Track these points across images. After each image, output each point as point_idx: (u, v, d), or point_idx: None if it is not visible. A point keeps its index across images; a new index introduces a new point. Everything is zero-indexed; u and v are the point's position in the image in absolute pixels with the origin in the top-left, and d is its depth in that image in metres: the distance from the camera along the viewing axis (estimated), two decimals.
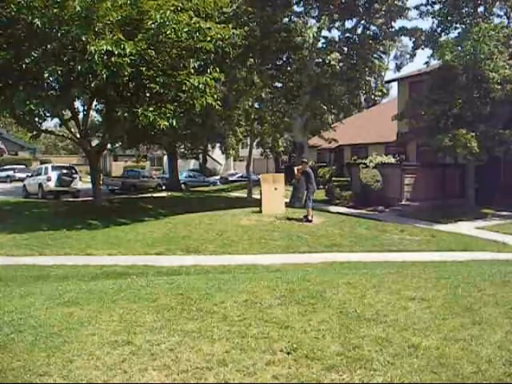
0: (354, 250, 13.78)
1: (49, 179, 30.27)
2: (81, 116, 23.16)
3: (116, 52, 15.76)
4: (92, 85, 16.60)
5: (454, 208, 21.38)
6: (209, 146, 51.69)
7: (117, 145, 39.90)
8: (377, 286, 7.12)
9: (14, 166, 50.58)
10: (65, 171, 31.28)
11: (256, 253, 13.50)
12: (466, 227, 18.52)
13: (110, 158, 64.97)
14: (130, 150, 50.04)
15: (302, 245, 14.19)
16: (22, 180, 36.72)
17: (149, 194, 34.25)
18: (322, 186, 32.88)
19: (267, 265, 11.54)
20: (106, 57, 15.68)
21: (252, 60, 25.13)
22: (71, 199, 29.62)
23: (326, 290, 6.91)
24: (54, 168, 31.55)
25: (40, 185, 30.67)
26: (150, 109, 17.21)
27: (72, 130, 24.40)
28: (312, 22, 24.61)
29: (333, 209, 24.67)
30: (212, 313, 6.07)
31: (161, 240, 14.92)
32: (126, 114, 17.44)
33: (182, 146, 44.42)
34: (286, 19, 24.38)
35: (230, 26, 18.91)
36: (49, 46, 17.44)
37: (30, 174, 35.15)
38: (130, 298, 6.86)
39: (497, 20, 22.49)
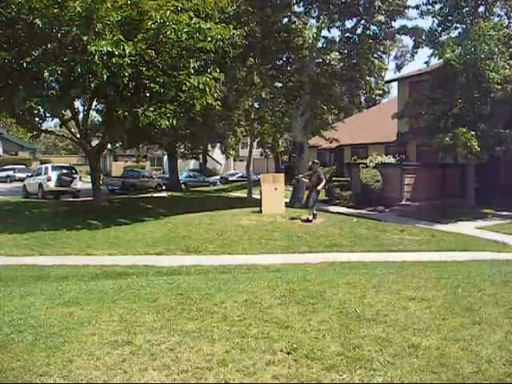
0: (354, 250, 13.77)
1: (49, 179, 30.29)
2: (81, 116, 23.14)
3: (116, 53, 15.77)
4: (92, 85, 16.52)
5: (454, 208, 21.39)
6: (209, 146, 51.66)
7: (117, 145, 40.07)
8: (377, 286, 7.12)
9: (14, 166, 50.58)
10: (65, 171, 31.30)
11: (256, 253, 13.49)
12: (466, 227, 18.50)
13: (110, 157, 64.94)
14: (130, 150, 50.04)
15: (302, 245, 14.18)
16: (22, 180, 36.77)
17: (149, 194, 34.25)
18: None
19: (267, 265, 11.54)
20: (106, 57, 15.68)
21: (252, 60, 25.14)
22: (71, 199, 29.64)
23: (325, 290, 6.92)
24: (54, 168, 31.56)
25: (40, 185, 30.69)
26: (151, 109, 17.20)
27: (72, 130, 24.44)
28: (312, 22, 24.66)
29: (333, 209, 24.65)
30: (212, 313, 6.07)
31: (161, 240, 14.91)
32: (126, 114, 17.43)
33: (182, 146, 44.39)
34: (285, 19, 24.35)
35: (231, 26, 18.89)
36: (49, 46, 17.44)
37: (30, 174, 35.14)
38: (130, 298, 6.87)
39: (497, 20, 22.44)
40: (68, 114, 22.51)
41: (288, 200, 23.59)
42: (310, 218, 17.07)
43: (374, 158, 25.83)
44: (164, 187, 41.06)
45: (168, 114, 17.41)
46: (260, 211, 18.20)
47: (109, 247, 14.26)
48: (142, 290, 7.36)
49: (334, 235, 15.31)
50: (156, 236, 15.53)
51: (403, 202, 23.85)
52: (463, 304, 6.03)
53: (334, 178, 33.55)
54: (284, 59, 26.45)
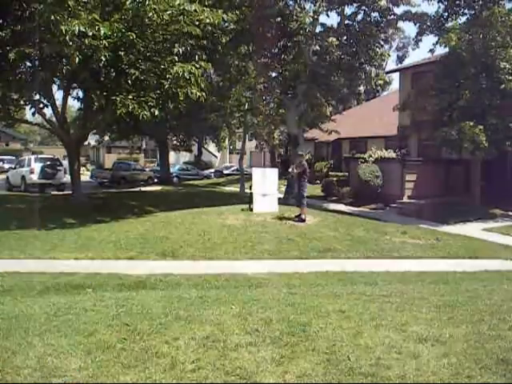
0: (350, 256, 12.24)
1: (32, 171, 28.87)
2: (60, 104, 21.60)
3: (90, 33, 14.18)
4: (64, 69, 14.95)
5: (458, 206, 19.86)
6: (206, 138, 50.16)
7: (106, 137, 38.63)
8: (376, 316, 5.60)
9: (3, 157, 49.23)
10: (49, 163, 29.78)
11: (240, 258, 11.97)
12: (472, 229, 17.07)
13: (103, 150, 63.43)
14: (124, 142, 48.57)
15: (292, 249, 12.63)
16: None
17: (137, 188, 32.73)
18: (318, 181, 31.48)
19: (250, 274, 10.01)
20: (78, 38, 14.11)
21: (245, 47, 23.57)
22: (56, 192, 28.19)
23: (311, 321, 5.42)
24: (38, 160, 30.09)
25: (23, 177, 29.26)
26: (130, 97, 15.65)
27: (53, 119, 22.88)
28: (309, 6, 23.03)
29: (329, 206, 23.28)
30: (159, 356, 4.60)
31: (135, 242, 13.30)
32: (103, 102, 15.89)
33: (174, 138, 42.92)
34: (280, 3, 22.68)
35: (220, 11, 17.26)
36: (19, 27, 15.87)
37: (13, 166, 33.72)
38: (61, 329, 5.38)
39: (508, 5, 20.86)
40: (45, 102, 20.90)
41: (282, 195, 22.13)
42: (303, 216, 15.56)
43: (373, 152, 24.50)
44: (156, 180, 39.69)
45: (150, 103, 15.87)
46: (250, 209, 16.71)
47: (77, 249, 12.70)
48: (82, 317, 5.87)
49: (328, 238, 13.77)
50: (131, 237, 13.94)
51: (404, 200, 22.44)
52: (493, 350, 4.50)
53: (331, 173, 32.12)
54: (279, 46, 24.82)
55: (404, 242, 13.92)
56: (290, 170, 17.22)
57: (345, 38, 23.63)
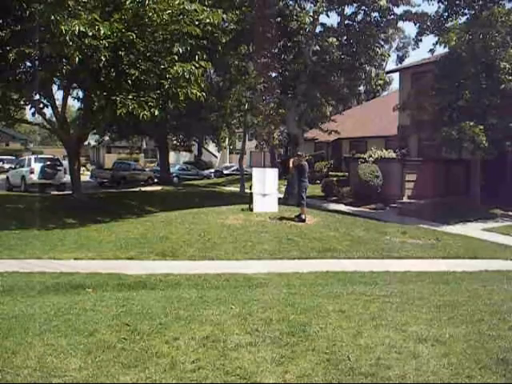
0: (350, 256, 12.24)
1: (32, 171, 28.85)
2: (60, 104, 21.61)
3: (90, 33, 14.18)
4: (64, 69, 14.95)
5: (458, 206, 19.88)
6: (206, 138, 50.17)
7: (106, 137, 38.65)
8: (376, 316, 5.61)
9: (3, 157, 49.24)
10: (49, 163, 29.79)
11: (240, 258, 11.97)
12: (472, 229, 17.08)
13: (103, 150, 63.47)
14: (124, 142, 48.62)
15: (292, 249, 12.63)
16: None
17: (137, 188, 32.73)
18: (318, 181, 31.50)
19: (250, 274, 10.00)
20: (78, 38, 14.11)
21: (245, 47, 23.59)
22: (56, 192, 28.18)
23: (311, 321, 5.42)
24: (38, 160, 30.09)
25: (23, 177, 29.25)
26: (130, 97, 15.65)
27: (53, 119, 22.89)
28: (309, 6, 23.04)
29: (329, 206, 23.28)
30: (159, 356, 4.60)
31: (135, 241, 13.31)
32: (103, 102, 15.89)
33: (174, 138, 42.92)
34: (281, 3, 22.70)
35: (220, 11, 17.27)
36: (19, 27, 15.87)
37: (13, 166, 33.71)
38: (61, 330, 5.38)
39: (508, 5, 20.85)
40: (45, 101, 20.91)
41: (282, 195, 22.15)
42: (303, 216, 15.56)
43: (373, 152, 24.51)
44: (156, 180, 39.69)
45: (150, 103, 15.87)
46: (250, 209, 16.71)
47: (77, 249, 12.70)
48: (82, 316, 5.88)
49: (328, 238, 13.77)
50: (131, 236, 13.95)
51: (404, 200, 22.44)
52: (493, 350, 4.51)
53: (331, 173, 32.13)
54: (279, 46, 24.84)
55: (404, 242, 13.93)
56: (290, 161, 17.14)
57: (345, 38, 23.67)
